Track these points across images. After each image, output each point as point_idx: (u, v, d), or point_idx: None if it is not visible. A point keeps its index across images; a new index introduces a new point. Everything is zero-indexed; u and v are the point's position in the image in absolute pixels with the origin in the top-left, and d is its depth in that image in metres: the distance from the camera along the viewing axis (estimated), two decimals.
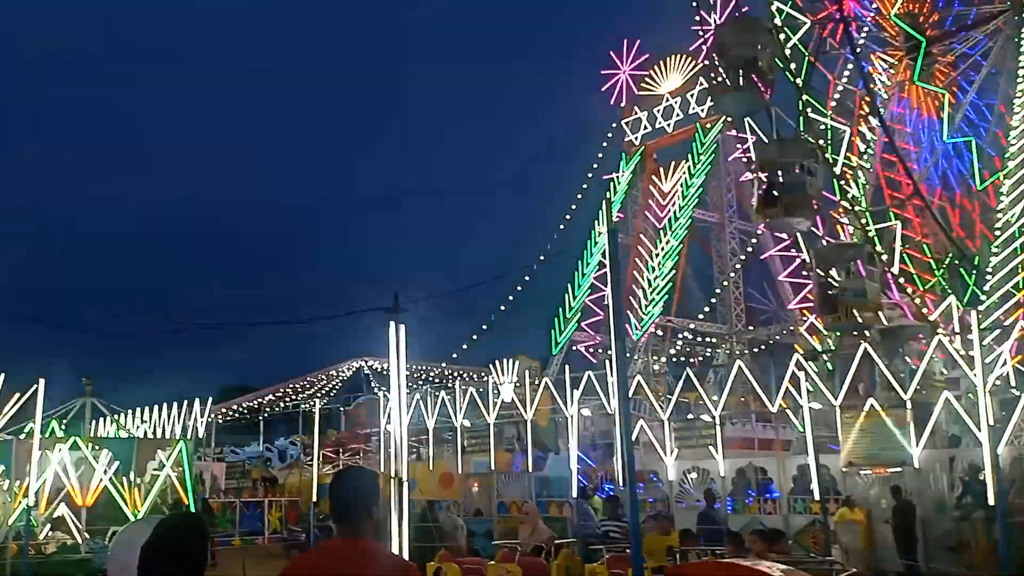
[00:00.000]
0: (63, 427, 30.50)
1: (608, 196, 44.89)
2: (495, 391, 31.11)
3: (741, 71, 27.66)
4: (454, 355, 44.32)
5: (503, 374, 37.02)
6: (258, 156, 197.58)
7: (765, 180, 27.76)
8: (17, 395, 22.65)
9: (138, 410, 36.53)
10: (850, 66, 34.22)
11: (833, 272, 28.81)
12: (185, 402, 32.97)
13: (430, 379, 46.92)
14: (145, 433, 30.52)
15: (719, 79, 28.67)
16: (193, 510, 21.75)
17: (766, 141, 29.47)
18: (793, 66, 30.46)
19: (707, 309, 46.50)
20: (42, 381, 20.19)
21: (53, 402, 25.33)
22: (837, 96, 34.60)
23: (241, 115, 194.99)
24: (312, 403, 45.94)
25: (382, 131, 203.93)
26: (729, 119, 40.07)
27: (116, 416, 37.41)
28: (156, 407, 34.86)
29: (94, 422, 33.69)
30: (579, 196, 46.90)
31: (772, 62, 29.03)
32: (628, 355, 31.25)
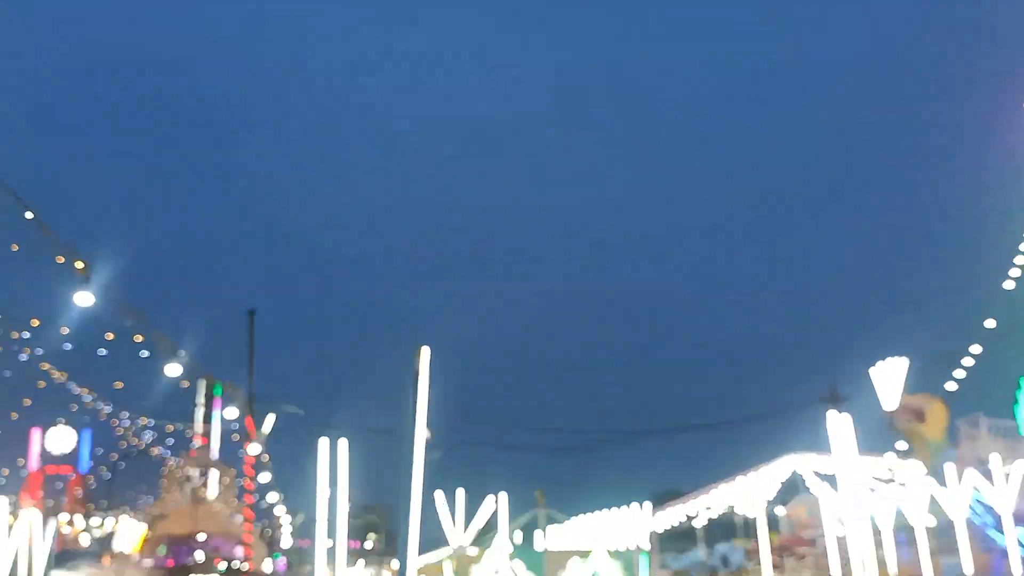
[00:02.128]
0: (513, 537, 32.76)
1: None
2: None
3: None
4: (899, 445, 39.88)
5: None
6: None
7: None
8: (486, 502, 24.73)
9: (582, 517, 38.02)
10: None
11: None
12: (625, 508, 33.64)
13: (876, 476, 42.66)
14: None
15: None
16: None
17: None
18: None
19: None
20: (504, 495, 21.90)
21: (511, 513, 27.17)
22: None
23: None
24: (748, 505, 44.14)
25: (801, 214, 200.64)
26: None
27: (560, 524, 39.27)
28: (598, 512, 36.03)
29: (545, 531, 35.61)
30: None
31: None
32: None
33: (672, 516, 47.21)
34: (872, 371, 32.81)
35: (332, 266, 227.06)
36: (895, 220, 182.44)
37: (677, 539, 54.28)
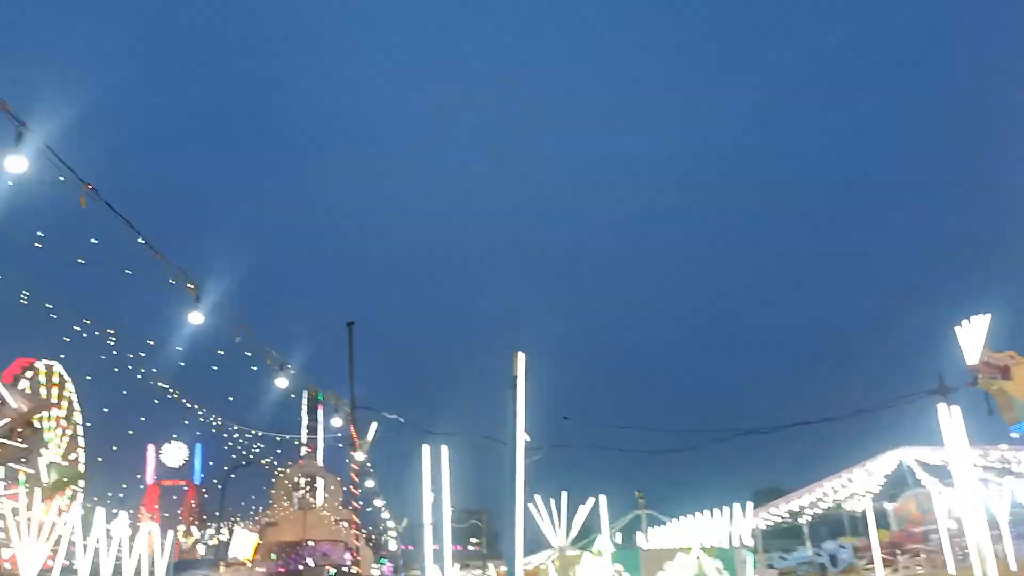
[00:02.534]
0: (615, 538, 32.69)
1: None
2: None
3: None
4: (1014, 434, 38.19)
5: None
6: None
7: None
8: (585, 504, 24.84)
9: (683, 518, 37.74)
10: None
11: None
12: (726, 508, 33.19)
13: (988, 465, 40.99)
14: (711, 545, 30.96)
15: None
16: None
17: None
18: None
19: None
20: (603, 497, 21.96)
21: (612, 515, 27.19)
22: None
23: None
24: (854, 501, 43.04)
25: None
26: None
27: (662, 525, 39.02)
28: (699, 514, 35.67)
29: (647, 531, 35.47)
30: None
31: None
32: None
33: (776, 514, 46.38)
34: (958, 329, 31.54)
35: (427, 277, 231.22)
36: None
37: (781, 537, 53.18)
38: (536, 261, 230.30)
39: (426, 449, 19.50)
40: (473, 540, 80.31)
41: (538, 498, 26.47)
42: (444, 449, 19.33)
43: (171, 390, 34.06)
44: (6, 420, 31.06)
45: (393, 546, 75.92)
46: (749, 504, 34.33)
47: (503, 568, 33.43)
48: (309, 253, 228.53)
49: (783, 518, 46.19)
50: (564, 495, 25.57)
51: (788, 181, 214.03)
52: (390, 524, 70.31)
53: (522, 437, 14.08)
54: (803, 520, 44.56)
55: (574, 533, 27.95)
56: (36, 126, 11.07)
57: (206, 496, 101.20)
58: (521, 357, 14.25)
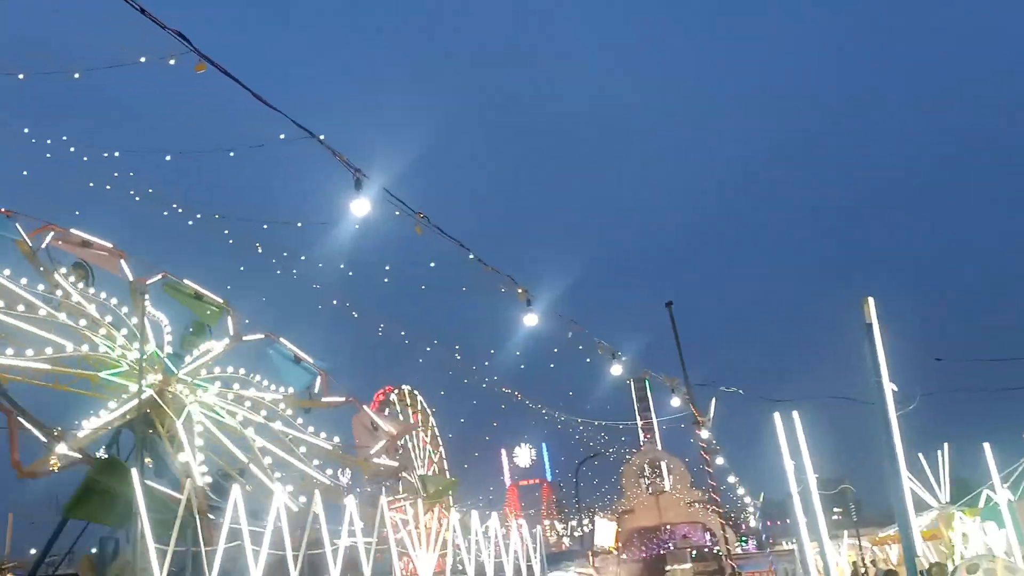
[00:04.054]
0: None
1: None
2: None
3: None
4: None
5: None
6: None
7: None
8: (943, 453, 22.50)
9: None
10: None
11: None
12: None
13: None
14: None
15: None
16: None
17: None
18: None
19: None
20: (987, 445, 19.75)
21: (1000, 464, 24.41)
22: None
23: None
24: None
25: None
26: None
27: None
28: None
29: None
30: None
31: None
32: None
33: None
34: None
35: (743, 237, 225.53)
36: None
37: None
38: (868, 193, 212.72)
39: (777, 417, 18.75)
40: (835, 509, 76.23)
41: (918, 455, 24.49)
42: (796, 415, 18.45)
43: (515, 393, 36.16)
44: (381, 443, 34.90)
45: (753, 522, 74.23)
46: None
47: (885, 532, 31.21)
48: (630, 244, 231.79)
49: None
50: (945, 447, 23.27)
51: None
52: (747, 500, 68.89)
53: (888, 388, 12.92)
54: None
55: (952, 487, 25.48)
56: (370, 171, 12.09)
57: (563, 490, 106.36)
58: (871, 302, 13.13)
